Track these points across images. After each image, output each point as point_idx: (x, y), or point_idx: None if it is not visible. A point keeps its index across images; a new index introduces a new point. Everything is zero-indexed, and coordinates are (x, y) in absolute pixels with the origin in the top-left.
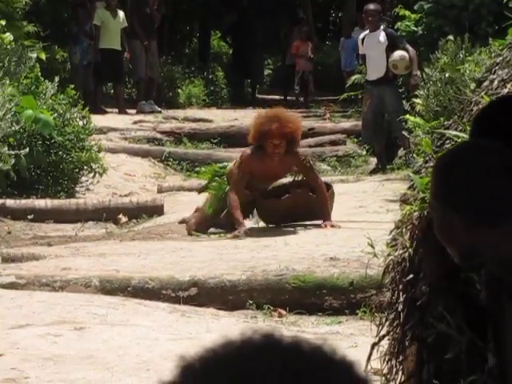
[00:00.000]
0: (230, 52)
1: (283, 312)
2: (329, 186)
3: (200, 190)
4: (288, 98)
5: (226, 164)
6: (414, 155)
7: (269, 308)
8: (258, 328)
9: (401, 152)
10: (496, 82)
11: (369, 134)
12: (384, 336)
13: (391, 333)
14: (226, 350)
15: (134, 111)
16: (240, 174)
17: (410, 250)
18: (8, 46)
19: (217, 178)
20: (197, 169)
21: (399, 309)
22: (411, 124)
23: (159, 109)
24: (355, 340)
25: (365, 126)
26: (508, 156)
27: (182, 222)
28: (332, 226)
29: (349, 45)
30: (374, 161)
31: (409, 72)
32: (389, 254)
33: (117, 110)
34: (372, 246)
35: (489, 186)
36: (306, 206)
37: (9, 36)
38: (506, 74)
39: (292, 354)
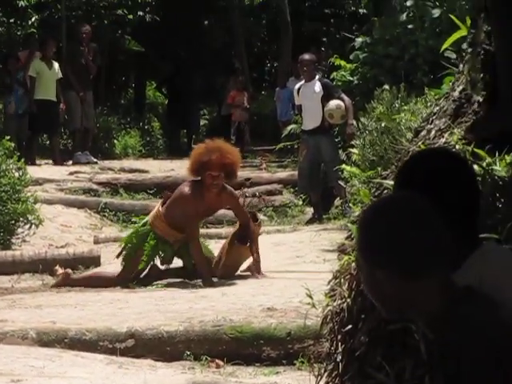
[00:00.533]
0: (166, 102)
1: (221, 363)
2: (255, 217)
3: (118, 255)
4: None
5: (144, 223)
6: (350, 205)
7: (206, 359)
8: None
9: (337, 202)
10: (433, 132)
11: (305, 183)
12: None
13: (330, 383)
14: None
15: (70, 162)
16: (191, 216)
17: (348, 300)
18: None
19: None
20: (133, 219)
21: (338, 359)
22: (347, 174)
23: (95, 160)
24: None
25: (301, 175)
26: (425, 208)
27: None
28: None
29: (284, 95)
30: (310, 211)
31: (345, 121)
32: (327, 305)
33: (51, 162)
34: (310, 297)
35: (407, 239)
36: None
37: None
38: (443, 124)
39: None
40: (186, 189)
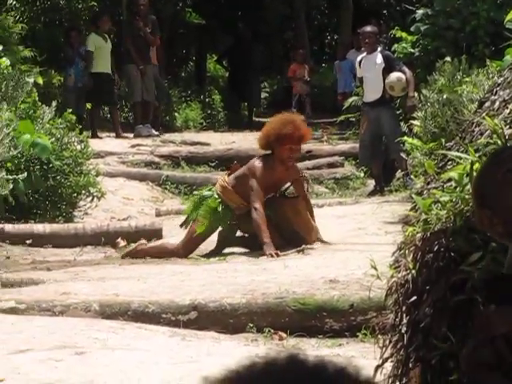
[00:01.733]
0: (227, 75)
1: (283, 335)
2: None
3: (182, 224)
4: None
5: (209, 188)
6: (412, 177)
7: (269, 331)
8: (282, 350)
9: (399, 174)
10: (497, 103)
11: (366, 155)
12: (387, 358)
13: (395, 355)
14: (250, 371)
15: (131, 135)
16: (258, 189)
17: (412, 271)
18: (5, 71)
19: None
20: (195, 192)
21: (403, 330)
22: (409, 146)
23: (156, 132)
24: (357, 363)
25: (362, 147)
26: None
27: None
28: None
29: (345, 66)
30: (371, 183)
31: (406, 94)
32: (392, 276)
33: (114, 134)
34: (375, 268)
35: None
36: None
37: (6, 61)
38: (508, 95)
39: (316, 376)
40: (256, 162)
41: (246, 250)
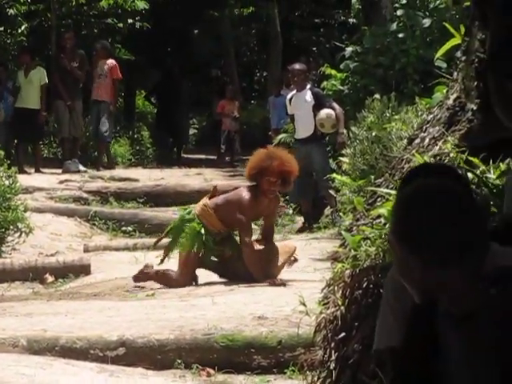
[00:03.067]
0: (155, 111)
1: (211, 371)
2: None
3: (155, 244)
4: (211, 157)
5: (189, 211)
6: (341, 214)
7: (197, 367)
8: None
9: (327, 211)
10: (427, 140)
11: (295, 192)
12: None
13: None
14: None
15: (59, 171)
16: (247, 222)
17: (341, 308)
18: None
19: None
20: (123, 228)
21: (331, 367)
22: (338, 183)
23: (84, 168)
24: None
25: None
26: (466, 199)
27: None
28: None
29: (280, 102)
30: (300, 219)
31: (335, 130)
32: (320, 312)
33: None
34: (304, 304)
35: (440, 228)
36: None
37: None
38: (437, 132)
39: None
40: (244, 193)
41: (218, 278)
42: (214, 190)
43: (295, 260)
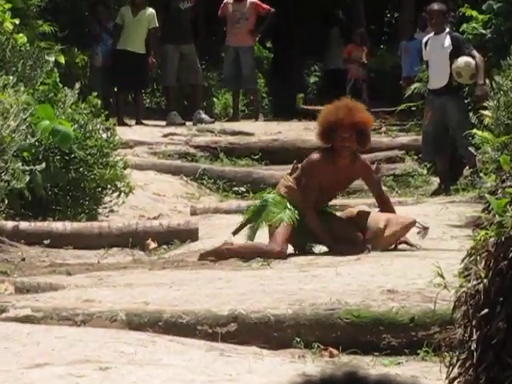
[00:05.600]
0: (271, 57)
1: (335, 351)
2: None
3: (235, 232)
4: None
5: (269, 191)
6: (482, 175)
7: (318, 346)
8: (339, 366)
9: (466, 171)
10: None
11: (430, 150)
12: (454, 379)
13: (463, 375)
14: None
15: (163, 123)
16: (312, 187)
17: (484, 280)
18: (22, 48)
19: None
20: (235, 188)
21: (472, 347)
22: (478, 139)
23: (212, 119)
24: (421, 382)
25: (425, 141)
26: None
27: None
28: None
29: (413, 47)
30: (436, 181)
31: (475, 81)
32: (460, 286)
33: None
34: (442, 276)
35: None
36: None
37: (23, 37)
38: None
39: None
40: (313, 156)
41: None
42: (294, 166)
43: (425, 229)
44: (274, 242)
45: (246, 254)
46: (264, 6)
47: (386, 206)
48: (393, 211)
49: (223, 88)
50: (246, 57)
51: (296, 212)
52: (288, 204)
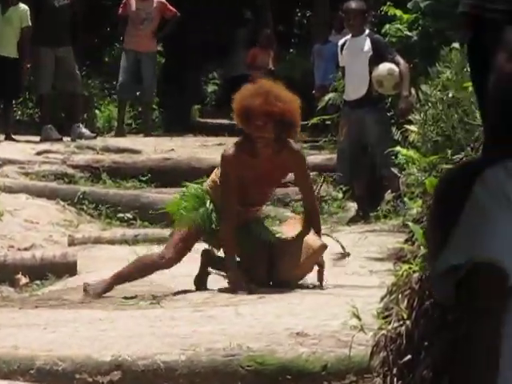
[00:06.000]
0: (163, 62)
1: None
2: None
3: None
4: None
5: (200, 182)
6: (406, 200)
7: None
8: None
9: (388, 195)
10: None
11: (346, 171)
12: None
13: None
14: None
15: (37, 138)
16: (229, 185)
17: (407, 322)
18: None
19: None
20: (120, 215)
21: None
22: (402, 158)
23: (94, 134)
24: None
25: (341, 160)
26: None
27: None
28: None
29: (328, 51)
30: (353, 206)
31: (398, 92)
32: (380, 328)
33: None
34: (357, 317)
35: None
36: None
37: None
38: None
39: None
40: (230, 147)
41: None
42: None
43: (345, 255)
44: (167, 248)
45: (136, 274)
46: (171, 7)
47: (312, 215)
48: (318, 225)
49: (106, 98)
50: (147, 64)
51: (215, 215)
52: (208, 202)
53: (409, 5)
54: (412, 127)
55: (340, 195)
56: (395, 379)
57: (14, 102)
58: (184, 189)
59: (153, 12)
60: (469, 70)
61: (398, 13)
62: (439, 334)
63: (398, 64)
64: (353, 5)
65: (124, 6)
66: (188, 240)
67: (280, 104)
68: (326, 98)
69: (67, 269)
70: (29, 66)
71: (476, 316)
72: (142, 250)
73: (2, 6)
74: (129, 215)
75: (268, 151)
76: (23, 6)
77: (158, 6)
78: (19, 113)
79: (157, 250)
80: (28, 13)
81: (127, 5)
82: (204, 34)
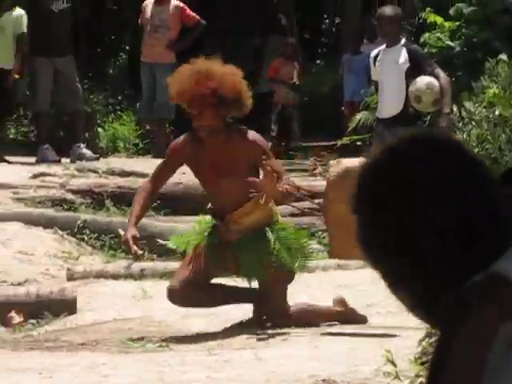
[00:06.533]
0: None
1: None
2: None
3: None
4: None
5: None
6: None
7: None
8: None
9: None
10: None
11: None
12: None
13: None
14: None
15: (32, 160)
16: (160, 167)
17: None
18: None
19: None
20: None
21: None
22: None
23: (95, 155)
24: None
25: None
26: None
27: None
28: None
29: (359, 63)
30: None
31: (438, 108)
32: (417, 375)
33: None
34: (392, 363)
35: None
36: None
37: None
38: None
39: None
40: (180, 137)
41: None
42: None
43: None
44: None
45: None
46: (191, 13)
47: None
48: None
49: (111, 115)
50: (162, 77)
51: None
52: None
53: (451, 11)
54: None
55: None
56: None
57: (6, 118)
58: (200, 217)
59: (169, 19)
60: None
61: (439, 20)
62: None
63: (438, 77)
64: (387, 11)
65: (142, 12)
66: (192, 262)
67: (211, 83)
68: (358, 116)
69: (66, 306)
70: (17, 76)
71: None
72: (151, 286)
73: None
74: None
75: (215, 140)
76: (19, 12)
77: (176, 11)
78: (13, 131)
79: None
80: (24, 18)
81: (143, 11)
82: (223, 45)
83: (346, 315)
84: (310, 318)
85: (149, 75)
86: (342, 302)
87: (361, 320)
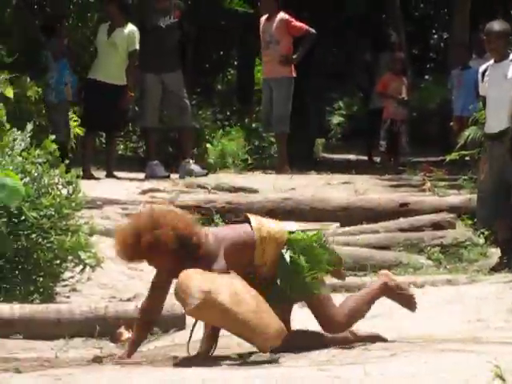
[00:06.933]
0: None
1: None
2: None
3: None
4: (364, 157)
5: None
6: None
7: None
8: None
9: None
10: None
11: (488, 213)
12: None
13: None
14: None
15: (141, 175)
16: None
17: None
18: None
19: None
20: None
21: None
22: None
23: (204, 171)
24: None
25: (481, 201)
26: None
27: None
28: None
29: (469, 78)
30: (496, 253)
31: None
32: None
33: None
34: (502, 378)
35: None
36: None
37: None
38: None
39: None
40: None
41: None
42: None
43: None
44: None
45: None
46: (297, 24)
47: None
48: None
49: (219, 130)
50: (277, 91)
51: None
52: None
53: None
54: None
55: (481, 240)
56: None
57: (116, 134)
58: None
59: (276, 33)
60: None
61: None
62: None
63: None
64: (495, 26)
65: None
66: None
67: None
68: (466, 132)
69: (175, 322)
70: (133, 94)
71: None
72: None
73: (109, 27)
74: None
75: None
76: (131, 28)
77: (280, 25)
78: (122, 147)
79: None
80: (136, 35)
81: (260, 25)
82: (328, 58)
83: (391, 289)
84: (360, 312)
85: (267, 91)
86: (387, 274)
87: (408, 295)
